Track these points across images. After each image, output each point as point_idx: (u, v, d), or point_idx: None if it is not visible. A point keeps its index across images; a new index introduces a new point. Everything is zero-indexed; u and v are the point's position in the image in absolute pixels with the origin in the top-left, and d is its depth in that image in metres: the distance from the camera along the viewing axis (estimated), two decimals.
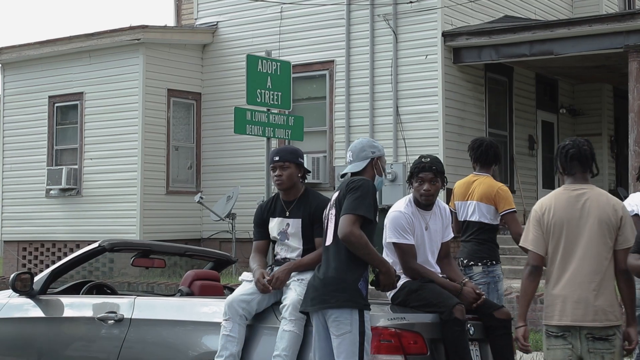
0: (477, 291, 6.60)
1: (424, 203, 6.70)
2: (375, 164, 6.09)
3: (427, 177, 6.69)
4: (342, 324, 5.71)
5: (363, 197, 5.75)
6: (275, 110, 10.51)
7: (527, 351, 5.83)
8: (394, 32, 17.74)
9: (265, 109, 10.46)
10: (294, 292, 6.22)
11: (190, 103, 20.18)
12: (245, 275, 6.58)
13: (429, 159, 6.72)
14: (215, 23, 20.19)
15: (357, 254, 5.72)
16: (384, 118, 17.86)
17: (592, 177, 5.78)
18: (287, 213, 6.58)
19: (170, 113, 19.63)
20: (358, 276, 5.73)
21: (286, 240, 6.57)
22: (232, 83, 19.73)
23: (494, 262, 7.87)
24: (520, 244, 5.97)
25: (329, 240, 5.96)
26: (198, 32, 20.06)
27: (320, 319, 5.86)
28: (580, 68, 18.99)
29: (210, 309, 6.78)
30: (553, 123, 20.88)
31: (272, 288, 6.32)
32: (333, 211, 6.00)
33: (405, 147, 17.42)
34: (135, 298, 7.23)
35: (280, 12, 19.15)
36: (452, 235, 6.95)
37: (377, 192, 6.14)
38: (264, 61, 10.38)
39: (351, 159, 6.12)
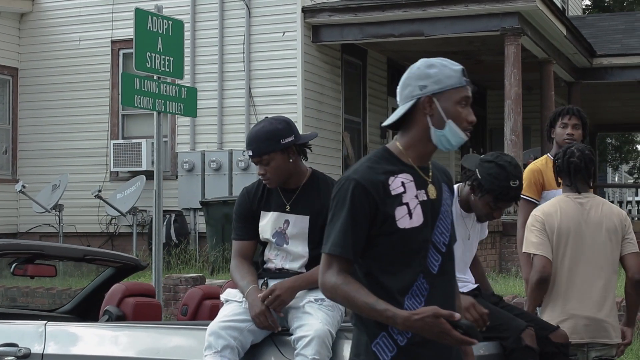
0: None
1: (486, 220, 5.12)
2: (426, 108, 3.35)
3: (509, 205, 5.02)
4: None
5: (338, 214, 3.34)
6: (166, 79, 8.74)
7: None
8: (247, 5, 16.06)
9: (155, 77, 8.62)
10: (316, 319, 4.44)
11: (5, 79, 17.79)
12: (231, 294, 4.77)
13: (517, 183, 4.88)
14: None
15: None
16: (235, 100, 16.17)
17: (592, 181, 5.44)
18: (288, 207, 4.78)
19: None
20: (376, 329, 3.34)
21: (285, 245, 4.77)
22: (56, 57, 17.58)
23: None
24: (524, 250, 5.36)
25: None
26: None
27: None
28: (439, 53, 17.89)
29: (167, 339, 4.95)
30: None
31: (271, 307, 4.58)
32: None
33: None
34: (45, 324, 5.23)
35: None
36: (486, 234, 5.39)
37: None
38: (155, 18, 8.52)
39: (398, 98, 3.45)
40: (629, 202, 27.77)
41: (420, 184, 3.40)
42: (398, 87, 3.41)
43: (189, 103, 9.09)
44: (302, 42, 15.73)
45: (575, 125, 6.33)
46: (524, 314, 5.04)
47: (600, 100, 23.23)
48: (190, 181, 16.00)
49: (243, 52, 16.07)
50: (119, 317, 5.62)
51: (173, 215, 15.48)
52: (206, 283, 12.23)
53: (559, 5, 27.13)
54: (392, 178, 3.35)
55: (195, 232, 16.15)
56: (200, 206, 15.38)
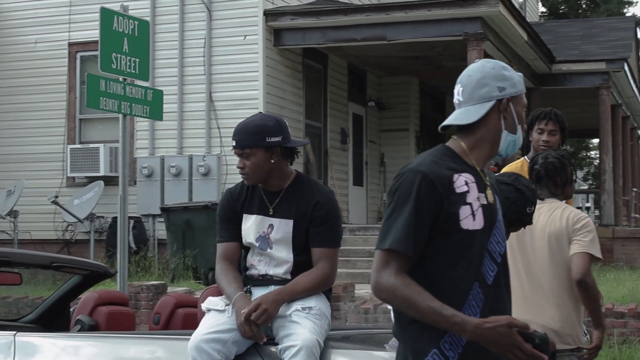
0: None
1: None
2: (504, 111, 3.23)
3: (519, 229, 4.72)
4: None
5: (401, 207, 3.09)
6: (132, 81, 8.50)
7: None
8: (207, 8, 15.85)
9: (121, 79, 8.39)
10: (304, 328, 4.29)
11: None
12: (212, 303, 4.55)
13: (533, 209, 4.59)
14: None
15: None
16: (195, 104, 15.93)
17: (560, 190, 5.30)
18: (271, 210, 4.62)
19: None
20: (426, 346, 3.10)
21: (268, 250, 4.60)
22: (11, 60, 17.30)
23: None
24: None
25: None
26: None
27: None
28: (401, 58, 17.83)
29: (144, 350, 4.73)
30: (362, 116, 19.67)
31: (258, 322, 4.37)
32: None
33: (220, 136, 15.58)
34: (15, 335, 4.96)
35: None
36: None
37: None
38: (120, 18, 8.29)
39: (460, 97, 3.27)
40: (587, 208, 27.89)
41: (481, 187, 3.21)
42: (465, 86, 3.24)
43: (155, 106, 8.87)
44: (263, 46, 15.55)
45: (552, 131, 6.15)
46: None
47: (559, 106, 22.95)
48: (149, 187, 15.74)
49: (204, 56, 15.85)
50: (92, 327, 5.38)
51: (132, 221, 15.18)
52: (168, 291, 12.00)
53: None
54: (456, 175, 3.15)
55: (155, 239, 15.90)
56: (159, 212, 15.13)
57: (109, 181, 15.81)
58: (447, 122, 3.26)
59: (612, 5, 34.46)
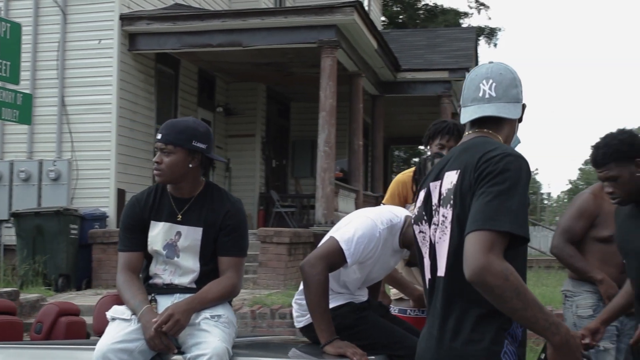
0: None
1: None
2: (522, 114, 3.30)
3: None
4: None
5: (511, 190, 2.91)
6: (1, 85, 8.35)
7: None
8: (63, 11, 15.60)
9: None
10: (214, 336, 4.25)
11: None
12: (118, 311, 4.46)
13: None
14: None
15: (499, 306, 2.83)
16: (47, 108, 15.65)
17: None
18: (179, 216, 4.58)
19: None
20: (499, 337, 3.01)
21: (175, 258, 4.54)
22: None
23: None
24: None
25: (441, 270, 3.14)
26: None
27: None
28: (254, 64, 17.98)
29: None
30: (210, 122, 19.69)
31: (170, 334, 4.29)
32: (447, 213, 3.14)
33: (72, 141, 15.35)
34: None
35: None
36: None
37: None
38: None
39: (492, 92, 3.20)
40: None
41: None
42: (499, 82, 3.17)
43: (24, 110, 8.75)
44: (118, 51, 15.43)
45: (453, 148, 6.24)
46: (413, 329, 4.94)
47: (400, 113, 23.89)
48: None
49: (57, 59, 15.60)
50: None
51: None
52: (20, 298, 11.77)
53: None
54: None
55: (0, 245, 15.49)
56: (6, 217, 14.79)
57: None
58: (488, 113, 3.16)
59: (450, 16, 35.61)
